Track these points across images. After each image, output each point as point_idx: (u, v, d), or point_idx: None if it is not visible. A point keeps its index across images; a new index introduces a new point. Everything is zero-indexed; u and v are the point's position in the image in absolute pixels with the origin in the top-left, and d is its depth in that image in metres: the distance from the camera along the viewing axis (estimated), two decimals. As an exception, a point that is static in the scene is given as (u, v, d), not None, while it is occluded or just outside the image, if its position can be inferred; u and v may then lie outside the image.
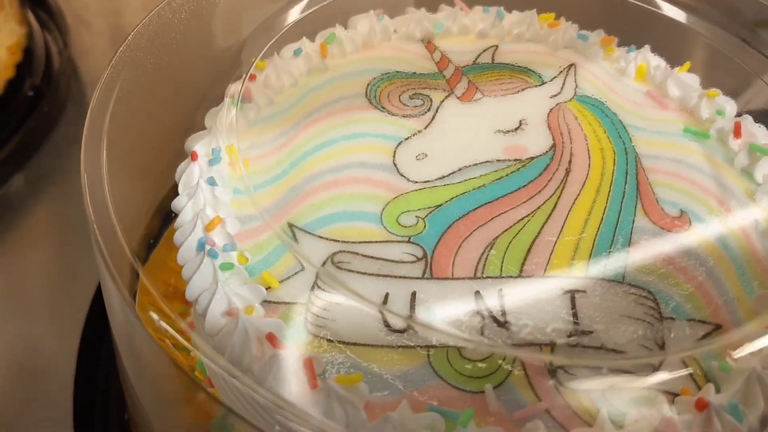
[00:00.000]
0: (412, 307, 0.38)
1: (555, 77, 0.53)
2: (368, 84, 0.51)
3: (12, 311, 0.59)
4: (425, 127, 0.48)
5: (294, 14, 0.54)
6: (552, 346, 0.37)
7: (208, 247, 0.39)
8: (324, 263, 0.40)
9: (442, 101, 0.50)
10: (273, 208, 0.43)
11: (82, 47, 0.79)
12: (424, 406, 0.34)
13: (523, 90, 0.52)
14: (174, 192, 0.43)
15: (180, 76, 0.50)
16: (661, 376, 0.37)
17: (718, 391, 0.36)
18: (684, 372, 0.37)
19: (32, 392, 0.54)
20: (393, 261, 0.40)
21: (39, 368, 0.55)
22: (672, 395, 0.36)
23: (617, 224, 0.43)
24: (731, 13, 0.54)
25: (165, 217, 0.47)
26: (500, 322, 0.38)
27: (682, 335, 0.39)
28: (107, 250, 0.37)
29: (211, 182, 0.42)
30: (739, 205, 0.46)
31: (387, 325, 0.37)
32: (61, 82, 0.74)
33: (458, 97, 0.51)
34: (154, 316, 0.35)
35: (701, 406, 0.34)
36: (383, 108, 0.50)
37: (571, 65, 0.54)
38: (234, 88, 0.49)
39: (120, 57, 0.45)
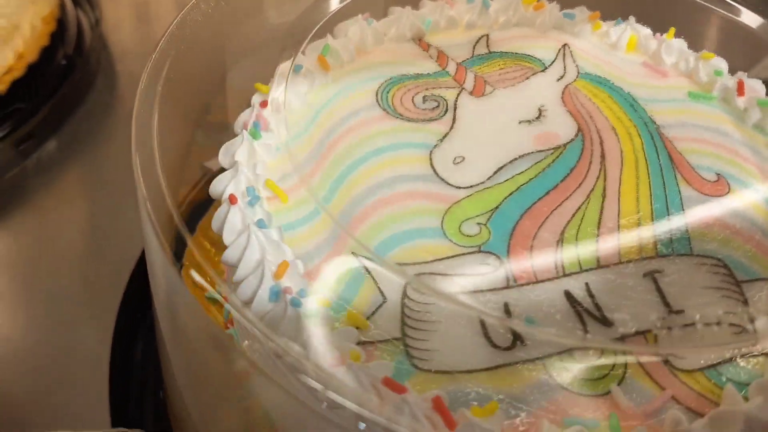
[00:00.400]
0: (513, 327, 0.37)
1: (554, 60, 0.53)
2: (377, 92, 0.49)
3: (45, 272, 0.60)
4: (450, 129, 0.47)
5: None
6: (653, 332, 0.37)
7: (288, 297, 0.35)
8: (404, 291, 0.38)
9: (456, 100, 0.49)
10: (329, 240, 0.40)
11: (112, 22, 0.84)
12: (562, 421, 0.33)
13: (529, 77, 0.51)
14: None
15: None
16: (762, 340, 0.37)
17: (816, 343, 0.37)
18: (772, 329, 0.38)
19: (66, 367, 0.54)
20: (473, 275, 0.39)
21: (73, 337, 0.56)
22: (778, 357, 0.37)
23: (666, 198, 0.44)
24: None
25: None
26: (599, 318, 0.37)
27: (761, 295, 0.40)
28: (156, 216, 0.35)
29: (261, 225, 0.39)
30: (761, 159, 0.47)
31: (493, 344, 0.36)
32: (92, 53, 0.78)
33: (470, 93, 0.49)
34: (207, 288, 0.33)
35: (812, 361, 0.35)
36: (400, 115, 0.47)
37: (564, 45, 0.54)
38: (244, 118, 0.45)
39: (167, 39, 0.43)
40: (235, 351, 0.35)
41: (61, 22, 0.75)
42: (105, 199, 0.67)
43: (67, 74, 0.73)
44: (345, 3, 0.51)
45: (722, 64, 0.53)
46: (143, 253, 0.54)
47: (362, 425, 0.31)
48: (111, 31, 0.83)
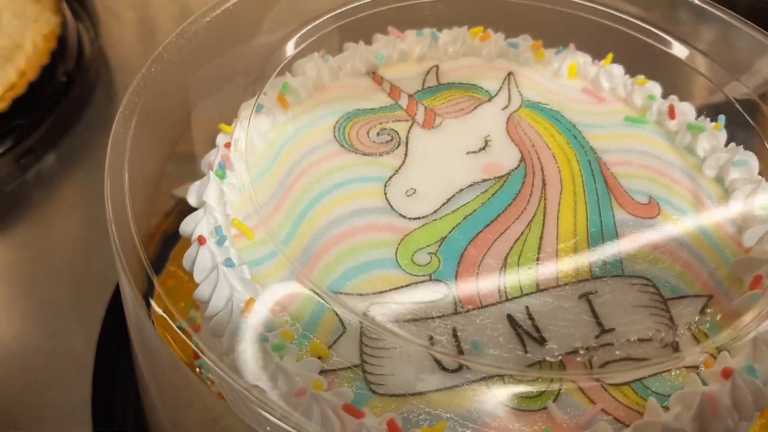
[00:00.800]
0: (457, 343, 0.41)
1: (500, 89, 0.56)
2: (334, 127, 0.52)
3: (39, 278, 0.64)
4: (403, 162, 0.50)
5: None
6: (586, 350, 0.41)
7: (253, 332, 0.39)
8: (361, 327, 0.41)
9: (408, 133, 0.52)
10: (292, 275, 0.44)
11: (112, 37, 0.87)
12: (508, 436, 0.37)
13: (476, 107, 0.55)
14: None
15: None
16: (683, 355, 0.42)
17: (731, 356, 0.41)
18: (697, 346, 0.42)
19: (54, 371, 0.58)
20: (424, 302, 0.43)
21: (61, 343, 0.60)
22: (696, 369, 0.41)
23: (601, 223, 0.48)
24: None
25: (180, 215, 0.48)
26: (537, 339, 0.41)
27: (685, 312, 0.44)
28: (125, 256, 0.39)
29: (229, 263, 0.42)
30: (691, 181, 0.52)
31: (442, 367, 0.40)
32: (91, 69, 0.81)
33: (421, 125, 0.53)
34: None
35: (727, 374, 0.39)
36: (356, 150, 0.51)
37: (509, 74, 0.58)
38: (210, 158, 0.48)
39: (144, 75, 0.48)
40: (202, 385, 0.38)
41: (62, 39, 0.78)
42: (99, 211, 0.69)
43: (67, 90, 0.77)
44: (302, 46, 0.54)
45: (656, 89, 0.57)
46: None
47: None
48: (110, 46, 0.87)
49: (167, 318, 0.37)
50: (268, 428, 0.34)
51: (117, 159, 0.43)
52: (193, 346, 0.37)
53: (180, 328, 0.39)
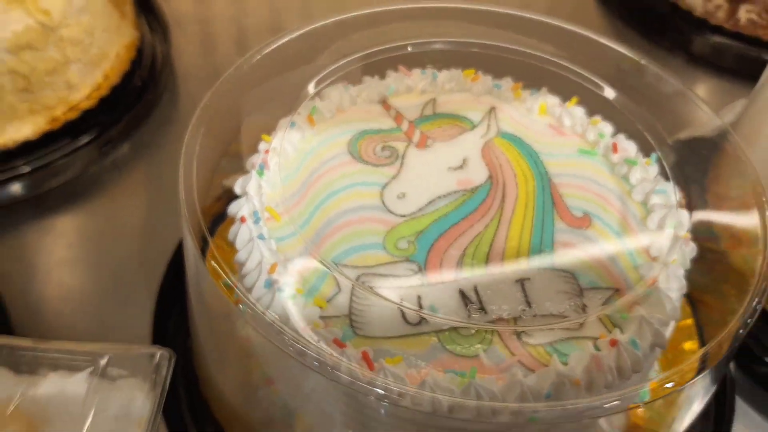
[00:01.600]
0: (420, 306, 0.56)
1: (481, 120, 0.72)
2: (348, 142, 0.68)
3: (113, 242, 0.83)
4: (398, 173, 0.66)
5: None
6: (515, 318, 0.57)
7: (276, 286, 0.55)
8: (353, 287, 0.57)
9: (404, 150, 0.68)
10: (307, 249, 0.60)
11: (179, 49, 1.05)
12: (443, 371, 0.53)
13: (461, 134, 0.70)
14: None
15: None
16: (586, 329, 0.56)
17: (621, 332, 0.56)
18: (600, 324, 0.57)
19: (115, 315, 0.77)
20: (400, 276, 0.58)
21: (123, 299, 0.77)
22: (594, 339, 0.56)
23: (543, 228, 0.63)
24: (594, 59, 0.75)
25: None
26: (479, 308, 0.57)
27: (595, 298, 0.59)
28: (190, 223, 0.56)
29: (261, 237, 0.58)
30: (621, 203, 0.66)
31: (406, 321, 0.55)
32: (161, 76, 0.98)
33: (415, 146, 0.69)
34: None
35: (613, 343, 0.54)
36: (364, 161, 0.67)
37: (491, 108, 0.73)
38: (253, 160, 0.65)
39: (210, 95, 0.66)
40: (240, 319, 0.54)
41: (140, 50, 0.96)
42: (161, 191, 0.89)
43: (141, 93, 0.94)
44: (331, 78, 0.70)
45: (606, 129, 0.71)
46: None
47: (317, 363, 0.51)
48: (177, 57, 1.04)
49: (218, 268, 0.53)
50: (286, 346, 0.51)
51: (189, 155, 0.60)
52: (236, 289, 0.53)
53: (226, 274, 0.55)
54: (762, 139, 0.77)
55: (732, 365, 0.73)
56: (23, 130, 0.83)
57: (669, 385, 0.51)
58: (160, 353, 0.54)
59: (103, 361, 0.53)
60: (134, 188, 0.90)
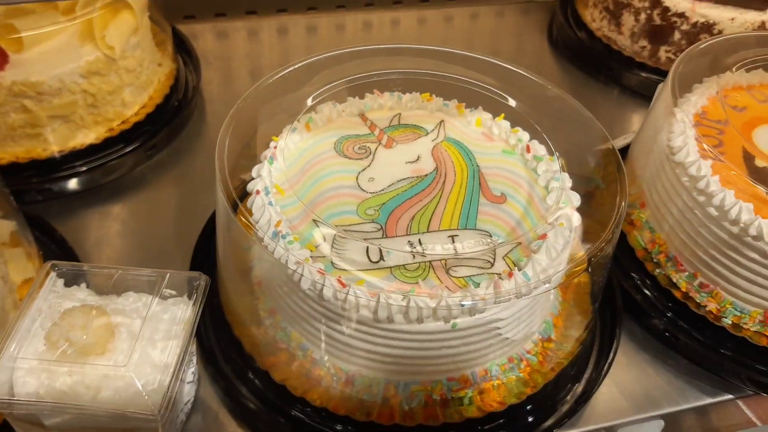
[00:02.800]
0: (380, 251, 0.81)
1: (433, 129, 0.97)
2: (335, 143, 0.94)
3: (155, 220, 1.09)
4: (370, 164, 0.92)
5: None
6: (446, 260, 0.81)
7: (281, 235, 0.80)
8: (334, 236, 0.82)
9: (375, 149, 0.94)
10: (303, 212, 0.85)
11: (206, 78, 1.33)
12: (390, 293, 0.77)
13: (417, 139, 0.96)
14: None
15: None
16: (495, 268, 0.81)
17: (518, 270, 0.81)
18: (504, 264, 0.82)
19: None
20: (367, 232, 0.83)
21: (164, 264, 0.98)
22: (499, 274, 0.80)
23: (470, 203, 0.88)
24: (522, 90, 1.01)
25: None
26: (420, 252, 0.82)
27: (503, 249, 0.84)
28: (224, 191, 0.81)
29: (270, 204, 0.84)
30: (530, 186, 0.91)
31: (369, 259, 0.80)
32: (192, 99, 1.23)
33: (384, 146, 0.94)
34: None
35: (510, 275, 0.79)
36: (346, 156, 0.93)
37: (441, 121, 0.99)
38: (266, 153, 0.90)
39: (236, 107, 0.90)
40: (257, 256, 0.79)
41: (177, 79, 1.21)
42: (192, 185, 1.15)
43: (177, 112, 1.18)
44: (322, 97, 0.97)
45: (524, 136, 0.97)
46: (208, 219, 1.00)
47: (307, 284, 0.76)
48: (205, 86, 1.31)
49: (245, 219, 0.78)
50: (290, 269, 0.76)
51: (221, 150, 0.85)
52: (255, 234, 0.78)
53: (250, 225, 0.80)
54: (651, 147, 1.03)
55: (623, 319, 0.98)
56: (90, 136, 1.09)
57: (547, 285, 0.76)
58: (200, 276, 0.79)
59: (160, 282, 0.78)
60: (171, 183, 1.16)
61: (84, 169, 1.09)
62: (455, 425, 0.83)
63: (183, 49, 1.30)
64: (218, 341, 0.91)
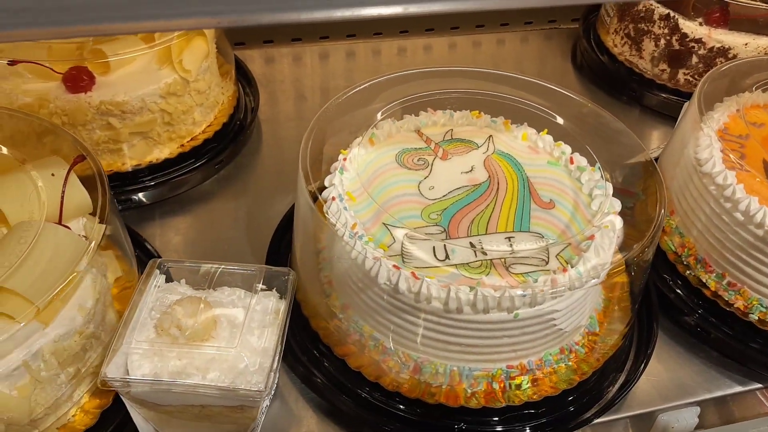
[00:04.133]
0: (446, 250, 0.91)
1: (483, 143, 1.07)
2: (396, 155, 1.04)
3: (226, 222, 1.20)
4: (428, 175, 1.01)
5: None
6: (504, 259, 0.91)
7: (357, 236, 0.90)
8: (404, 237, 0.92)
9: (433, 161, 1.04)
10: (374, 216, 0.94)
11: (262, 100, 1.42)
12: (459, 286, 0.87)
13: (469, 152, 1.06)
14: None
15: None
16: (549, 265, 0.91)
17: (571, 267, 0.90)
18: (557, 262, 0.91)
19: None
20: (432, 234, 0.93)
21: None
22: (554, 271, 0.90)
23: (523, 209, 0.98)
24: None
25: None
26: (482, 251, 0.91)
27: (555, 249, 0.93)
28: (306, 185, 0.90)
29: (345, 209, 0.93)
30: (573, 193, 1.01)
31: (437, 257, 0.90)
32: (254, 118, 1.34)
33: (440, 158, 1.04)
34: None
35: (564, 271, 0.88)
36: (407, 167, 1.02)
37: (490, 136, 1.09)
38: (336, 164, 1.00)
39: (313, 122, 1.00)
40: (338, 247, 0.89)
41: (238, 101, 1.33)
42: (255, 196, 1.26)
43: (240, 130, 1.28)
44: (384, 115, 1.07)
45: (566, 149, 1.07)
46: (278, 225, 1.10)
47: (384, 278, 0.85)
48: (262, 109, 1.41)
49: (323, 210, 0.88)
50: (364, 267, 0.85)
51: (304, 161, 0.95)
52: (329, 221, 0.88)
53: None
54: (679, 159, 1.13)
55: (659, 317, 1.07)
56: (165, 151, 1.19)
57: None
58: (289, 271, 0.88)
59: (258, 276, 0.87)
60: (235, 195, 1.25)
61: (158, 182, 1.19)
62: (514, 407, 0.92)
63: (243, 75, 1.39)
64: (293, 334, 1.00)
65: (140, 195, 1.18)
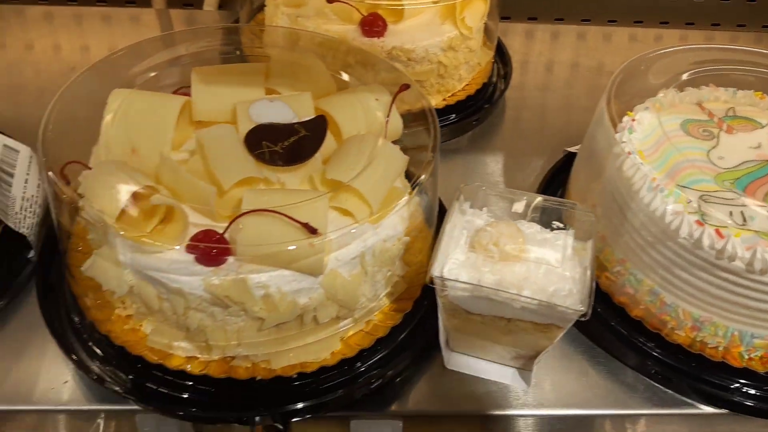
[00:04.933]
0: (743, 215, 0.91)
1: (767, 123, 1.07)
2: (680, 124, 1.05)
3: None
4: (716, 145, 1.02)
5: (635, 90, 1.09)
6: None
7: (657, 190, 0.92)
8: (700, 197, 0.93)
9: (718, 133, 1.04)
10: (666, 177, 0.96)
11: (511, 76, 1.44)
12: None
13: (754, 130, 1.06)
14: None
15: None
16: None
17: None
18: None
19: None
20: (728, 198, 0.94)
21: None
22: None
23: (817, 188, 0.97)
24: None
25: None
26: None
27: None
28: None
29: (642, 164, 0.96)
30: None
31: (734, 221, 0.90)
32: (507, 82, 1.38)
33: (725, 132, 1.05)
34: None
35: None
36: (693, 136, 1.04)
37: (772, 116, 1.08)
38: (624, 124, 1.03)
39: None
40: (635, 200, 0.92)
41: (493, 65, 1.39)
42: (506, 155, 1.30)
43: (493, 92, 1.34)
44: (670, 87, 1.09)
45: None
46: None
47: (685, 232, 0.86)
48: (514, 77, 1.45)
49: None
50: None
51: (603, 112, 0.98)
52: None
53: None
54: None
55: None
56: (432, 102, 1.26)
57: None
58: (592, 212, 0.91)
59: (566, 211, 0.91)
60: (482, 150, 1.31)
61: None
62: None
63: (499, 50, 1.45)
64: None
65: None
